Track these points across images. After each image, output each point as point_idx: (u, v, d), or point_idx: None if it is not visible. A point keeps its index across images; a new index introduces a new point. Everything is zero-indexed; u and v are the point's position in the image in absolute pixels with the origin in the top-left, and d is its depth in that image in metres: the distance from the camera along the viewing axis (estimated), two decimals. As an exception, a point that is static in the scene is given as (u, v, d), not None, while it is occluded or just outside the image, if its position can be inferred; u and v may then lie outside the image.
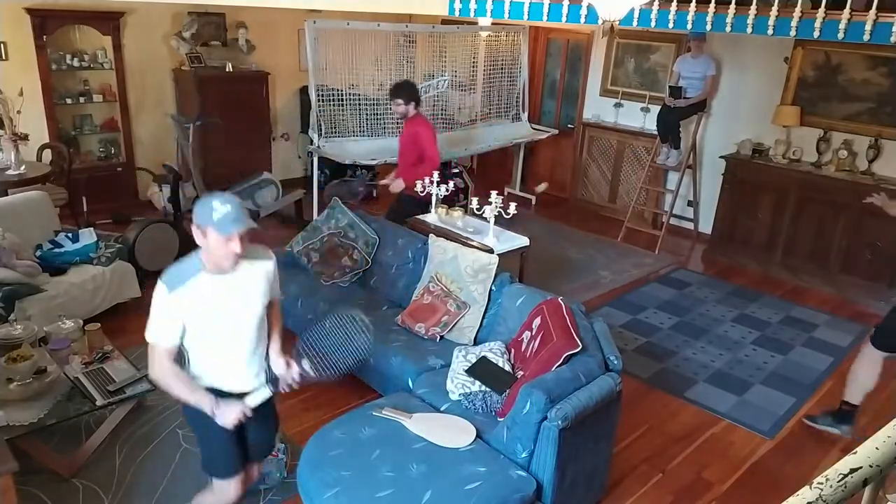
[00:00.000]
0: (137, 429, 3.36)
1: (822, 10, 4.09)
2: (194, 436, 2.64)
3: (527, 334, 3.18)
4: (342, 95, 6.00)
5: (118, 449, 3.22)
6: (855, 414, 3.55)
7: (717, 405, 3.93)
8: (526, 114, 7.41)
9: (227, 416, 2.29)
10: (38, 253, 4.26)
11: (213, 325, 2.26)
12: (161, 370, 2.25)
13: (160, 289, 2.19)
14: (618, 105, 7.18)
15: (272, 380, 2.40)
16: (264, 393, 2.36)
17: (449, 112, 6.94)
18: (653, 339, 4.71)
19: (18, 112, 5.10)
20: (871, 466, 1.09)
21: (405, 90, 4.72)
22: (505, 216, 4.27)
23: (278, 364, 2.43)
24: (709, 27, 4.61)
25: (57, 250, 4.33)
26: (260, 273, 2.34)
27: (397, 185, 4.89)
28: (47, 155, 5.81)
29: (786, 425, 3.78)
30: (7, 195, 4.66)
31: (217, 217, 2.12)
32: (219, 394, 2.32)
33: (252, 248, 2.32)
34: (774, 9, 4.25)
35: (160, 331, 2.22)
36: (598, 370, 2.83)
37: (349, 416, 2.95)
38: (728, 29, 4.49)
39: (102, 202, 6.10)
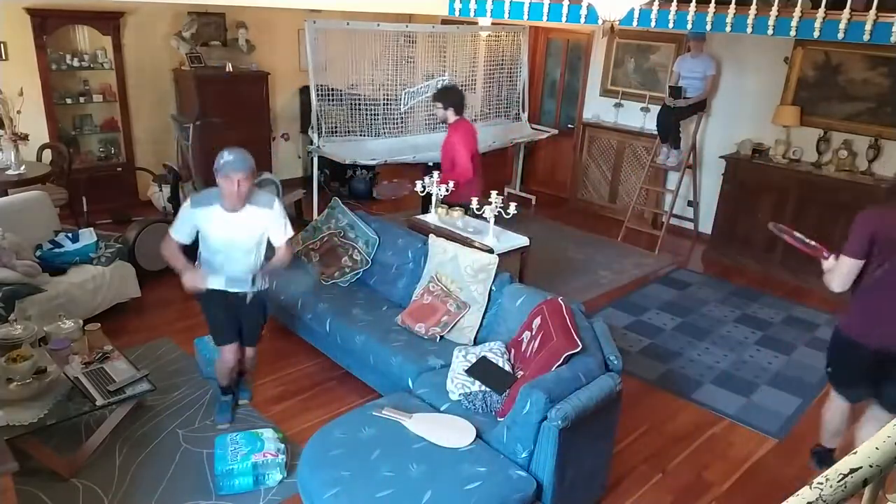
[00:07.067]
0: (137, 429, 3.36)
1: (822, 10, 4.09)
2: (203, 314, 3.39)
3: (527, 334, 3.18)
4: (342, 95, 6.00)
5: (118, 449, 3.22)
6: (831, 456, 3.30)
7: (725, 407, 3.92)
8: (526, 114, 7.40)
9: (187, 280, 3.08)
10: (38, 253, 4.26)
11: (214, 244, 3.11)
12: (166, 247, 3.16)
13: (187, 202, 3.15)
14: (618, 105, 7.18)
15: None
16: (219, 282, 3.15)
17: (449, 112, 6.92)
18: (657, 340, 4.71)
19: (18, 112, 5.09)
20: (871, 466, 1.09)
21: (445, 95, 4.73)
22: (505, 216, 4.27)
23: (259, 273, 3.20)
24: (709, 27, 4.60)
25: (57, 250, 4.33)
26: (258, 218, 3.09)
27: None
28: (47, 155, 5.81)
29: (794, 426, 3.78)
30: (7, 195, 4.66)
31: (222, 162, 2.92)
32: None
33: (259, 196, 3.10)
34: (774, 9, 4.25)
35: (177, 228, 3.13)
36: (598, 370, 2.83)
37: (349, 416, 2.96)
38: (728, 29, 4.49)
39: (102, 202, 6.10)
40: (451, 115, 4.72)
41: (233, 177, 2.91)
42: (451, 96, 4.73)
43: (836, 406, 3.21)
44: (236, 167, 2.92)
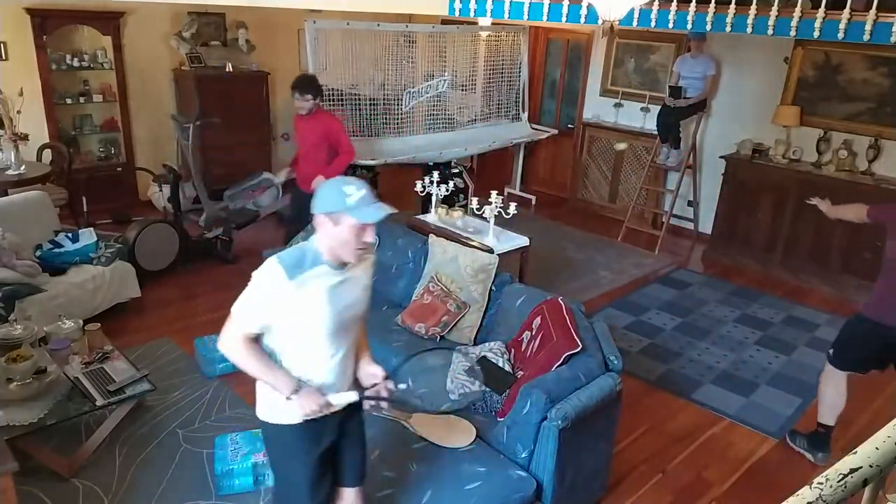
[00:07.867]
0: (137, 429, 3.36)
1: (822, 10, 4.09)
2: (270, 465, 2.30)
3: (527, 334, 3.18)
4: (342, 95, 6.00)
5: (118, 449, 3.22)
6: (830, 435, 3.43)
7: (725, 407, 3.92)
8: (526, 114, 7.40)
9: (307, 402, 1.97)
10: (38, 253, 4.26)
11: (322, 328, 1.97)
12: (244, 357, 1.96)
13: (276, 272, 1.86)
14: (618, 105, 7.17)
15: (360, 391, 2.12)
16: (351, 395, 2.08)
17: (449, 112, 6.93)
18: (657, 340, 4.71)
19: (18, 112, 5.10)
20: (871, 466, 1.09)
21: (314, 86, 4.59)
22: (505, 216, 4.27)
23: (369, 372, 2.15)
24: (709, 27, 4.61)
25: (57, 250, 4.33)
26: (367, 268, 2.10)
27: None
28: (47, 155, 5.81)
29: (795, 426, 3.76)
30: (7, 195, 4.66)
31: (351, 201, 1.86)
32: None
33: None
34: (774, 9, 4.25)
35: (251, 314, 1.93)
36: (598, 370, 2.83)
37: (349, 416, 2.95)
38: (728, 29, 4.49)
39: (102, 202, 6.10)
40: (315, 106, 4.64)
41: (370, 222, 1.89)
42: (318, 86, 4.62)
43: (837, 379, 3.37)
44: (377, 210, 1.89)
